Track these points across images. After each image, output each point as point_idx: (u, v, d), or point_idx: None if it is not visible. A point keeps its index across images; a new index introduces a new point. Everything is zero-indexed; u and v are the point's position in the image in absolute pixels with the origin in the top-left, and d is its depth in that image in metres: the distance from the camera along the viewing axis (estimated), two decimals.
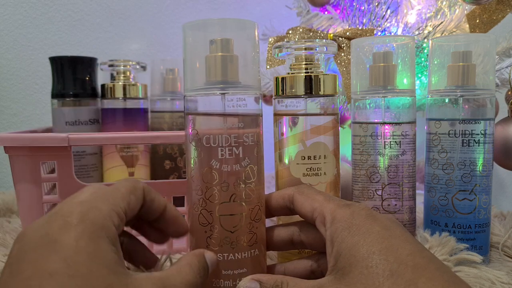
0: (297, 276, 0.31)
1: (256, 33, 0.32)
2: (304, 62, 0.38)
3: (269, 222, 0.46)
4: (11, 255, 0.23)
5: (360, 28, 0.56)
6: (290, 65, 0.39)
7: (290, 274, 0.33)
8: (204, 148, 0.31)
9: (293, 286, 0.28)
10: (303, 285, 0.28)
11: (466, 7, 0.53)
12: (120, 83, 0.55)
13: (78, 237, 0.22)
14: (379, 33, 0.56)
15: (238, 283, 0.30)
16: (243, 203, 0.31)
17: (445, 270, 0.24)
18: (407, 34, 0.55)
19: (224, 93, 0.31)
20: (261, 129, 0.33)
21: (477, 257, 0.38)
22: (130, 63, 0.56)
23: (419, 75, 0.56)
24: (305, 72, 0.37)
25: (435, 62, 0.42)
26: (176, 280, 0.25)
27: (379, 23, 0.56)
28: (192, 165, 0.31)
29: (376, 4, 0.56)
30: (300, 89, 0.37)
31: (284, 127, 0.38)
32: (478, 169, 0.40)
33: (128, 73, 0.56)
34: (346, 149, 0.57)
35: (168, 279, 0.25)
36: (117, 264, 0.23)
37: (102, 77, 0.58)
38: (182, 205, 0.44)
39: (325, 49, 0.37)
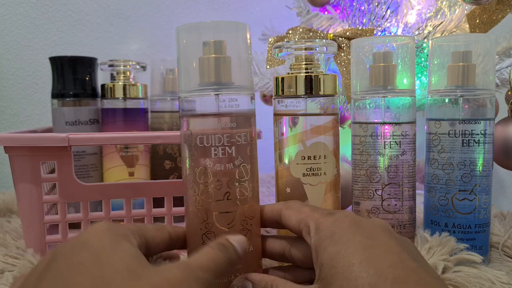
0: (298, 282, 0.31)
1: (248, 35, 0.33)
2: (304, 62, 0.38)
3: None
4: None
5: (360, 28, 0.56)
6: (290, 65, 0.39)
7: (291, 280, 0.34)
8: (198, 148, 0.31)
9: None
10: None
11: (466, 7, 0.53)
12: (120, 83, 0.55)
13: (106, 238, 0.25)
14: (379, 33, 0.56)
15: (233, 278, 0.31)
16: (237, 201, 0.32)
17: (426, 281, 0.24)
18: (407, 34, 0.55)
19: (217, 94, 0.31)
20: (254, 129, 0.33)
21: (477, 257, 0.38)
22: (130, 63, 0.56)
23: (419, 75, 0.56)
24: (305, 72, 0.37)
25: (435, 62, 0.42)
26: (199, 259, 0.25)
27: (379, 23, 0.56)
28: (187, 165, 0.32)
29: (376, 4, 0.56)
30: (300, 89, 0.37)
31: (284, 127, 0.38)
32: (478, 169, 0.40)
33: (128, 73, 0.56)
34: (346, 149, 0.57)
35: (191, 260, 0.25)
36: (139, 256, 0.25)
37: (102, 77, 0.58)
38: (182, 205, 0.44)
39: (325, 49, 0.38)
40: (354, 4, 0.57)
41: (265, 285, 0.29)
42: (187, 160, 0.32)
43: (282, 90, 0.38)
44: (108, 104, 0.55)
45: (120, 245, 0.25)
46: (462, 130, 0.40)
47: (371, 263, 0.24)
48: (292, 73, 0.38)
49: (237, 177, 0.32)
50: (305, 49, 0.37)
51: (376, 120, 0.41)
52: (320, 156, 0.37)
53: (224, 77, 0.31)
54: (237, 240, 0.29)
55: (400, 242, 0.27)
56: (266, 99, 0.66)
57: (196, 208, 0.32)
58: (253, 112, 0.33)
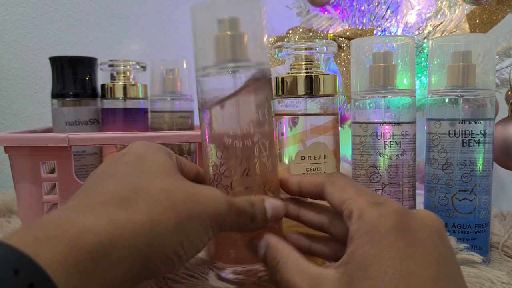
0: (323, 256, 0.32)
1: (262, 9, 0.33)
2: (304, 62, 0.38)
3: None
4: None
5: (360, 28, 0.56)
6: (290, 65, 0.39)
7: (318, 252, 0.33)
8: (217, 125, 0.32)
9: (291, 268, 0.27)
10: (300, 267, 0.27)
11: (466, 7, 0.53)
12: (120, 83, 0.55)
13: (148, 147, 0.30)
14: (379, 33, 0.56)
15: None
16: (257, 177, 0.32)
17: None
18: (407, 34, 0.55)
19: (234, 71, 0.31)
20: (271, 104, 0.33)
21: (477, 257, 0.38)
22: (130, 63, 0.56)
23: (419, 75, 0.56)
24: (305, 72, 0.37)
25: (435, 62, 0.42)
26: (230, 197, 0.28)
27: (379, 23, 0.56)
28: (206, 141, 0.32)
29: (376, 4, 0.56)
30: (300, 89, 0.37)
31: (284, 127, 0.38)
32: (478, 169, 0.40)
33: (128, 73, 0.56)
34: (346, 149, 0.57)
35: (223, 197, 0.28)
36: (177, 167, 0.30)
37: (102, 77, 0.58)
38: None
39: (325, 49, 0.38)
40: (354, 4, 0.57)
41: (274, 255, 0.28)
42: (207, 136, 0.32)
43: (282, 90, 0.38)
44: (108, 104, 0.55)
45: (161, 153, 0.29)
46: (462, 130, 0.40)
47: (404, 277, 0.23)
48: (292, 73, 0.38)
49: (256, 153, 0.32)
50: (305, 49, 0.37)
51: (376, 120, 0.41)
52: (320, 156, 0.37)
53: (240, 54, 0.31)
54: (272, 203, 0.30)
55: (443, 253, 0.25)
56: None
57: (216, 184, 0.32)
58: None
